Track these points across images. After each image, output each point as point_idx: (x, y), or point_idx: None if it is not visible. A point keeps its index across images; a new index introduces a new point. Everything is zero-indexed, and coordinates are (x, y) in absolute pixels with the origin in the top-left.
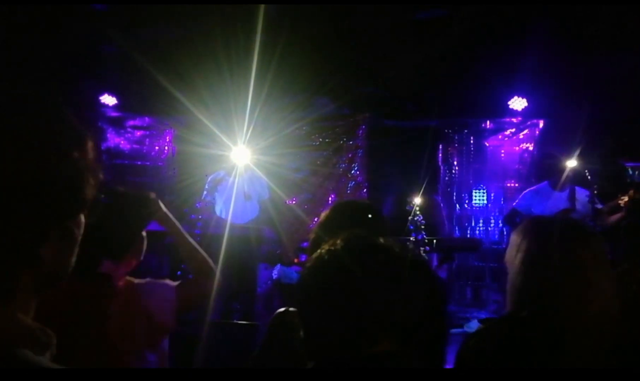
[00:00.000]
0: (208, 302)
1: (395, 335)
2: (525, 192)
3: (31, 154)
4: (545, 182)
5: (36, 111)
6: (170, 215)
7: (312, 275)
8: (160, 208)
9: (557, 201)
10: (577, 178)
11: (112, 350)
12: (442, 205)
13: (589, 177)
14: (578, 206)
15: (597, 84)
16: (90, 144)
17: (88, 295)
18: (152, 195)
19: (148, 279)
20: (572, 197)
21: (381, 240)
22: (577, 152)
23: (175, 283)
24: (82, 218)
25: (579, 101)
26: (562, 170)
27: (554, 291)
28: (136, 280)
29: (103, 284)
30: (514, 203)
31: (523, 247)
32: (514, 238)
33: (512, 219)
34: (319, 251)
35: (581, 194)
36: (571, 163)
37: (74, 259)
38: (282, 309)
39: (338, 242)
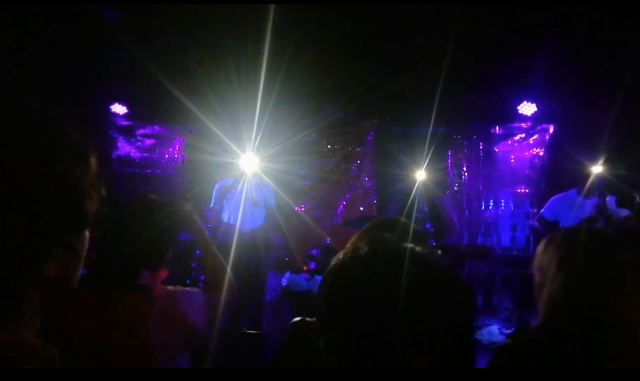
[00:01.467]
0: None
1: (428, 350)
2: (552, 198)
3: (32, 171)
4: (573, 190)
5: (38, 127)
6: (203, 228)
7: (335, 282)
8: (195, 220)
9: (583, 208)
10: (605, 185)
11: (151, 358)
12: (450, 209)
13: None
14: (604, 213)
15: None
16: (92, 159)
17: (129, 305)
18: (188, 205)
19: (180, 287)
20: (599, 204)
21: (409, 245)
22: (602, 158)
23: (203, 293)
24: (87, 233)
25: (589, 106)
26: (588, 176)
27: (595, 301)
28: (171, 288)
29: (143, 294)
30: (542, 211)
31: (558, 257)
32: (547, 248)
33: (543, 226)
34: (340, 256)
35: (609, 202)
36: (597, 169)
37: (78, 275)
38: (298, 318)
39: (362, 246)
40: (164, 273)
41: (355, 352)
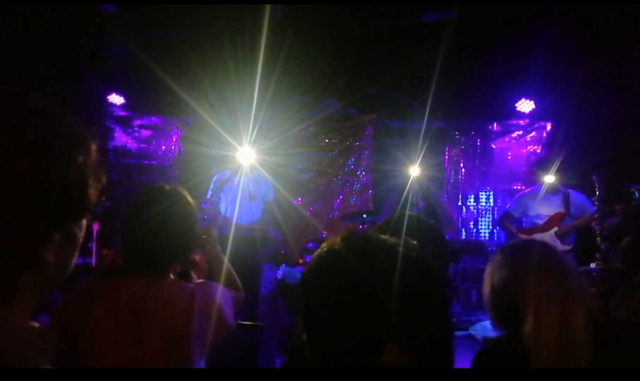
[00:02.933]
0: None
1: (404, 342)
2: (518, 194)
3: (34, 157)
4: (538, 185)
5: (39, 114)
6: (219, 250)
7: (313, 275)
8: (213, 242)
9: (551, 204)
10: (573, 181)
11: (187, 349)
12: (447, 206)
13: (595, 182)
14: (572, 209)
15: (606, 86)
16: (93, 147)
17: (168, 295)
18: (212, 231)
19: (210, 281)
20: (566, 201)
21: (384, 237)
22: (573, 156)
23: (228, 290)
24: (85, 221)
25: (586, 103)
26: (555, 172)
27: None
28: (206, 281)
29: (181, 285)
30: (507, 206)
31: (498, 273)
32: (492, 263)
33: (503, 222)
34: (319, 249)
35: (575, 198)
36: (559, 167)
37: (74, 262)
38: None
39: (338, 239)
40: (200, 268)
41: (332, 345)
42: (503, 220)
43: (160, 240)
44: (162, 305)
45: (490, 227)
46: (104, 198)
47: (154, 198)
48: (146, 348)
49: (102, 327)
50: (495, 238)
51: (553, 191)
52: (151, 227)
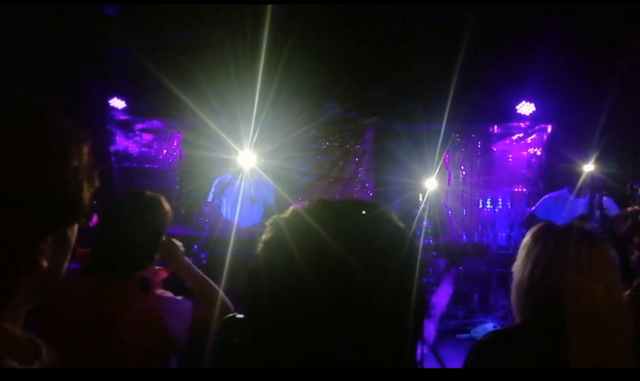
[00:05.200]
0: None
1: (367, 328)
2: (544, 197)
3: (31, 158)
4: (565, 189)
5: (33, 116)
6: (184, 258)
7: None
8: (176, 254)
9: (575, 207)
10: (596, 183)
11: (125, 356)
12: (448, 208)
13: (609, 183)
14: (598, 212)
15: (606, 89)
16: (86, 150)
17: (115, 298)
18: (175, 244)
19: (169, 294)
20: (590, 204)
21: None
22: (593, 158)
23: (192, 303)
24: (77, 225)
25: (587, 106)
26: (580, 175)
27: (561, 294)
28: (159, 292)
29: (144, 287)
30: (532, 208)
31: (534, 253)
32: (525, 244)
33: (530, 224)
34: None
35: (606, 202)
36: (588, 168)
37: (66, 266)
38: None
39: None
40: (163, 274)
41: (288, 339)
42: (528, 222)
43: (122, 244)
44: (105, 310)
45: (491, 230)
46: (95, 202)
47: (127, 202)
48: (89, 348)
49: (57, 325)
50: (497, 241)
51: (578, 194)
52: (115, 231)
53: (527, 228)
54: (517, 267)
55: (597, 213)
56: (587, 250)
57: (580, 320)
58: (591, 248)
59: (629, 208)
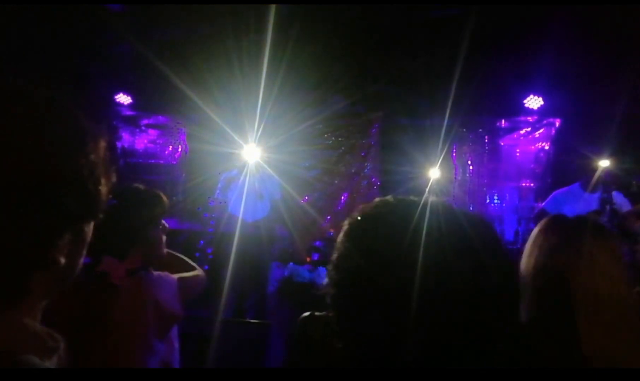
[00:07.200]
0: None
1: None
2: (555, 192)
3: (47, 155)
4: (577, 184)
5: (50, 112)
6: (161, 240)
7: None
8: (156, 242)
9: (588, 203)
10: (607, 179)
11: (122, 343)
12: (455, 202)
13: (624, 179)
14: (608, 207)
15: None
16: (103, 144)
17: (88, 291)
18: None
19: (154, 271)
20: (603, 200)
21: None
22: (608, 152)
23: (175, 276)
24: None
25: (596, 100)
26: (594, 170)
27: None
28: (143, 272)
29: (101, 281)
30: (543, 204)
31: (539, 241)
32: (533, 235)
33: (540, 220)
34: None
35: (615, 198)
36: (603, 163)
37: (82, 261)
38: (307, 314)
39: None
40: (134, 260)
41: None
42: (538, 218)
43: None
44: (88, 303)
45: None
46: (110, 196)
47: (124, 194)
48: (85, 347)
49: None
50: (504, 236)
51: (591, 190)
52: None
53: (537, 223)
54: (523, 258)
55: (608, 208)
56: (592, 240)
57: (587, 312)
58: (595, 238)
59: None
